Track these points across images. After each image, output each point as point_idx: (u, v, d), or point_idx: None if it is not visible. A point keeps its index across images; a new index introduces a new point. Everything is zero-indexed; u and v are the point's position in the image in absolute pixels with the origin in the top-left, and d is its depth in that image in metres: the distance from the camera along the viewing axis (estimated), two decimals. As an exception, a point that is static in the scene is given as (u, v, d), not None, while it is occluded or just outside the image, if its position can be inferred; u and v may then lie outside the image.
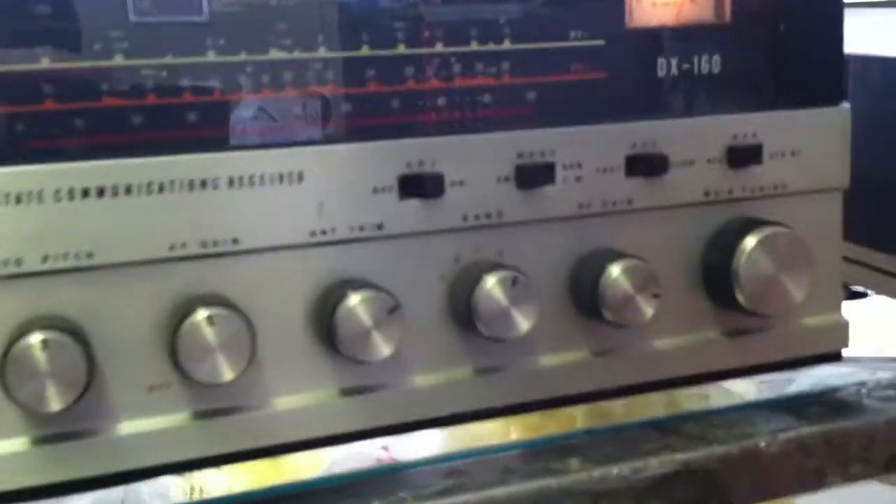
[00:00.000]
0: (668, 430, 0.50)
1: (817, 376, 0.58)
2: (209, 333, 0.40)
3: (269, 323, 0.43)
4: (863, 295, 0.77)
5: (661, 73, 0.49)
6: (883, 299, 0.72)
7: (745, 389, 0.60)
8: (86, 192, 0.40)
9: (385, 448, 0.59)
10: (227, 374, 0.40)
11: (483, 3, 0.46)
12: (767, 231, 0.49)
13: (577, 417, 0.62)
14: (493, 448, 0.51)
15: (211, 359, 0.40)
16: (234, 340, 0.40)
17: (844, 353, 0.54)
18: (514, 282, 0.45)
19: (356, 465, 0.54)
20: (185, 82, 0.42)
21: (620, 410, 0.60)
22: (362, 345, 0.42)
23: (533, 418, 0.62)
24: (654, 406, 0.60)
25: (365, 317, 0.42)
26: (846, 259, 0.74)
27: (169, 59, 0.41)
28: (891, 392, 0.54)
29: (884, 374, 0.57)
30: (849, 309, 0.78)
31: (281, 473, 0.53)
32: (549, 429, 0.59)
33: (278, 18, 0.43)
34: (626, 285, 0.46)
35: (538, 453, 0.49)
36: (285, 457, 0.52)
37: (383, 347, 0.42)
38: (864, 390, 0.55)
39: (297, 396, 0.43)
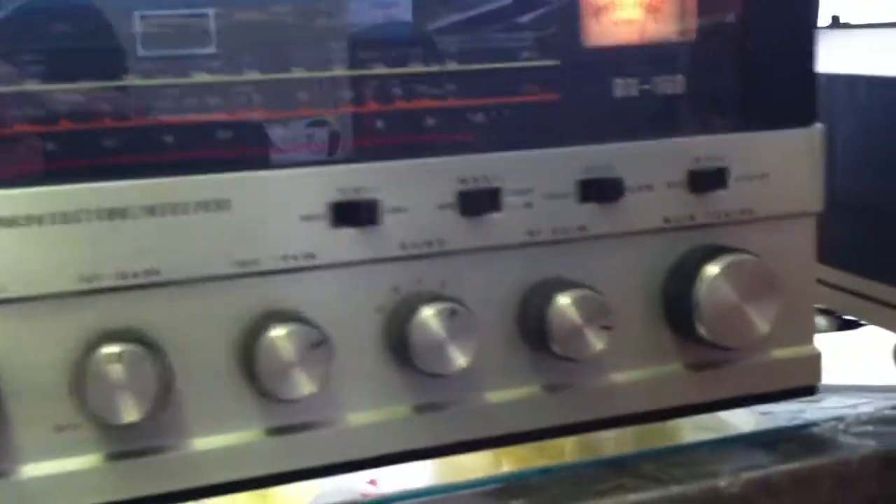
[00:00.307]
0: (624, 468, 0.48)
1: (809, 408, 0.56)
2: (117, 370, 0.38)
3: (190, 358, 0.41)
4: (855, 325, 0.74)
5: (618, 93, 0.47)
6: (875, 329, 0.69)
7: (742, 421, 0.57)
8: (-8, 222, 0.38)
9: (373, 482, 0.57)
10: (132, 415, 0.38)
11: (426, 21, 0.44)
12: (731, 259, 0.46)
13: (566, 449, 0.60)
14: (453, 486, 0.48)
15: (116, 397, 0.38)
16: (144, 379, 0.38)
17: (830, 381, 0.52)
18: (453, 313, 0.42)
19: (342, 499, 0.52)
20: (104, 107, 0.40)
21: (612, 443, 0.57)
22: (283, 381, 0.40)
23: (524, 450, 0.60)
24: (652, 438, 0.57)
25: (287, 351, 0.40)
26: (838, 288, 0.71)
27: (85, 84, 0.39)
28: (869, 428, 0.51)
29: (865, 409, 0.54)
30: (840, 339, 0.76)
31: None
32: (539, 462, 0.56)
33: (208, 44, 0.41)
34: (573, 316, 0.44)
35: (487, 495, 0.46)
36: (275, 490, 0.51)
37: (306, 384, 0.40)
38: (841, 426, 0.52)
39: (220, 437, 0.41)
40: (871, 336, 0.71)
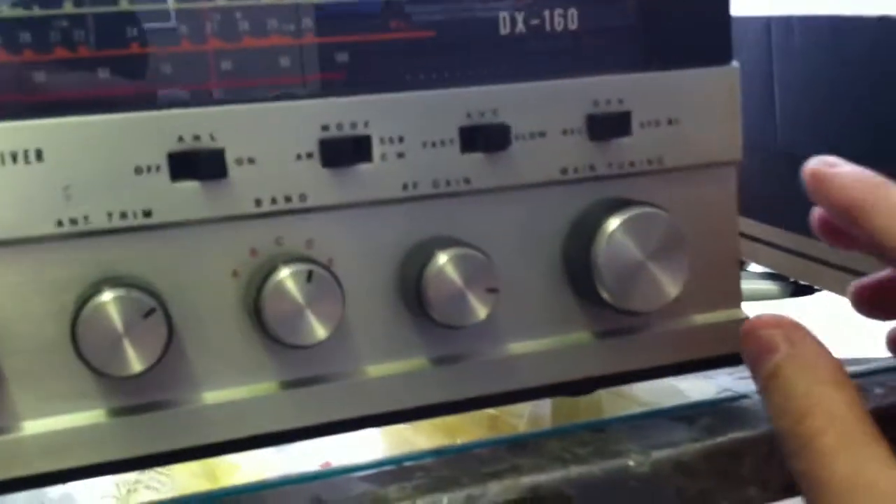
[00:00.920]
0: (524, 448, 0.43)
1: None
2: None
3: (12, 330, 0.36)
4: (809, 290, 0.69)
5: (503, 30, 0.42)
6: (830, 295, 0.64)
7: (703, 391, 0.52)
8: None
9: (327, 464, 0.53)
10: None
11: (274, -52, 0.39)
12: (633, 212, 0.41)
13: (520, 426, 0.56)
14: (340, 469, 0.44)
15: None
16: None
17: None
18: (310, 276, 0.37)
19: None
20: None
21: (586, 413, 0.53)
22: (109, 355, 0.35)
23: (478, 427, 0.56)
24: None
25: (114, 320, 0.35)
26: (790, 251, 0.66)
27: None
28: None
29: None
30: (793, 305, 0.71)
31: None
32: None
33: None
34: (453, 277, 0.39)
35: (374, 478, 0.41)
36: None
37: (134, 359, 0.35)
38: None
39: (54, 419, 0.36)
40: (825, 302, 0.66)
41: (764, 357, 0.37)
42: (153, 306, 0.35)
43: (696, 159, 0.44)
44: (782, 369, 0.36)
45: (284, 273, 0.37)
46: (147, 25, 0.37)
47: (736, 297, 0.46)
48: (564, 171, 0.42)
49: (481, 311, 0.39)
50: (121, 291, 0.35)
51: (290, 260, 0.38)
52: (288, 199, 0.39)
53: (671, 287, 0.42)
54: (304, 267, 0.37)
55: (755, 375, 0.38)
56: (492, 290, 0.39)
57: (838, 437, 0.34)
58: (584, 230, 0.42)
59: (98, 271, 0.37)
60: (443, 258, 0.39)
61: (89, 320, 0.35)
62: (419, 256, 0.40)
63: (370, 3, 0.40)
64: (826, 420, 0.34)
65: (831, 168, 0.40)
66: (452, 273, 0.39)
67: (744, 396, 0.48)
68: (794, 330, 0.38)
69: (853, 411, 0.35)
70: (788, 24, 0.57)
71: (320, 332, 0.37)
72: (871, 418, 0.35)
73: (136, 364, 0.35)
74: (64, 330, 0.36)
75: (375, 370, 0.41)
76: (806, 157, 0.42)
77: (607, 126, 0.42)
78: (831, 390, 0.35)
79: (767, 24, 0.58)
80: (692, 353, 0.45)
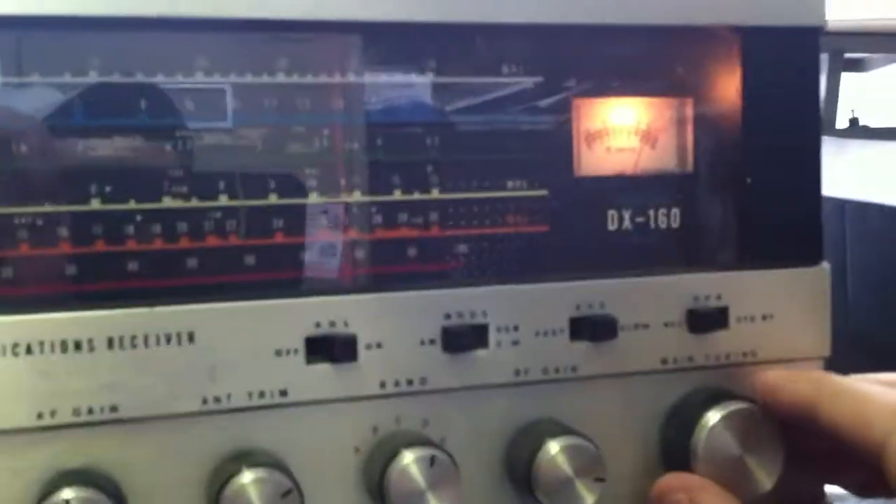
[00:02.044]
0: None
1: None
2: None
3: (152, 501, 0.38)
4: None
5: (611, 226, 0.45)
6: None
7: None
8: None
9: None
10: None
11: (408, 146, 0.42)
12: (733, 406, 0.43)
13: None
14: None
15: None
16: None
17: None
18: (433, 461, 0.39)
19: None
20: (63, 232, 0.38)
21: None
22: (248, 531, 0.37)
23: None
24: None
25: (255, 499, 0.37)
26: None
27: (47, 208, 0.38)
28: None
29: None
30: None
31: None
32: None
33: (175, 165, 0.39)
34: (564, 466, 0.41)
35: None
36: None
37: (273, 535, 0.37)
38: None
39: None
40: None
41: None
42: (290, 487, 0.37)
43: (787, 353, 0.46)
44: None
45: (409, 458, 0.39)
46: (291, 217, 0.40)
47: (820, 489, 0.48)
48: (665, 361, 0.45)
49: (588, 499, 0.41)
50: (261, 473, 0.37)
51: (412, 443, 0.40)
52: (410, 381, 0.41)
53: (766, 480, 0.43)
54: (427, 452, 0.39)
55: None
56: (599, 480, 0.41)
57: None
58: (684, 420, 0.44)
59: (234, 447, 0.39)
60: (554, 447, 0.41)
61: (232, 499, 0.37)
62: (529, 441, 0.42)
63: (489, 200, 0.43)
64: None
65: (777, 374, 0.44)
66: (563, 462, 0.41)
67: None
68: (701, 491, 0.41)
69: None
70: (864, 210, 0.60)
71: (441, 512, 0.39)
72: None
73: (272, 541, 0.37)
74: (200, 502, 0.38)
75: (481, 546, 0.43)
76: (877, 340, 0.44)
77: (706, 320, 0.45)
78: None
79: (842, 206, 0.61)
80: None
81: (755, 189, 0.46)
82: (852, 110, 1.58)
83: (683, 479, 0.42)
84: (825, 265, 0.47)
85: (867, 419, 0.39)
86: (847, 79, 1.44)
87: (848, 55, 1.43)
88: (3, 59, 0.37)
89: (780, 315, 0.46)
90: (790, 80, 0.45)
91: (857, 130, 1.32)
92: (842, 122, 1.42)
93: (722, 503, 0.40)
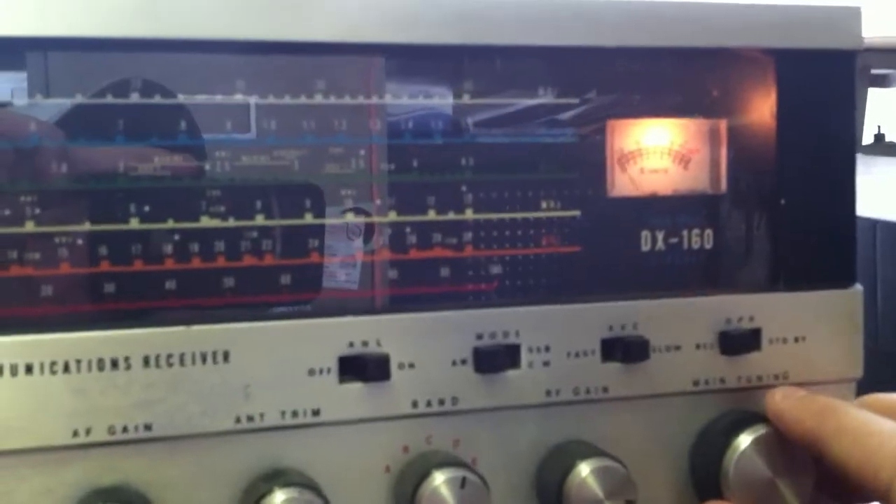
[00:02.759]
0: None
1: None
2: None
3: (183, 519, 0.38)
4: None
5: (644, 247, 0.45)
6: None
7: None
8: (-21, 370, 0.36)
9: None
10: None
11: (443, 167, 0.42)
12: (763, 430, 0.43)
13: None
14: None
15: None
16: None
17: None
18: (464, 483, 0.40)
19: None
20: (103, 251, 0.38)
21: None
22: (281, 551, 0.37)
23: None
24: None
25: (286, 519, 0.37)
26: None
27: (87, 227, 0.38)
28: None
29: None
30: None
31: None
32: None
33: (213, 184, 0.39)
34: (594, 489, 0.41)
35: None
36: None
37: (299, 556, 0.37)
38: None
39: None
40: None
41: None
42: (323, 506, 0.38)
43: (819, 376, 0.46)
44: None
45: (440, 479, 0.39)
46: (326, 237, 0.41)
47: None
48: (696, 382, 0.44)
49: (619, 520, 0.41)
50: (293, 493, 0.37)
51: (443, 464, 0.40)
52: (441, 401, 0.41)
53: (796, 503, 0.43)
54: (458, 473, 0.40)
55: None
56: (630, 502, 0.41)
57: None
58: (714, 443, 0.44)
59: (266, 465, 0.39)
60: (585, 469, 0.41)
61: (263, 518, 0.37)
62: (560, 462, 0.42)
63: (522, 220, 0.43)
64: None
65: (784, 400, 0.43)
66: (594, 484, 0.41)
67: None
68: None
69: None
70: (895, 229, 0.60)
71: (472, 534, 0.39)
72: None
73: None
74: (234, 522, 0.38)
75: (510, 567, 0.43)
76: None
77: (739, 342, 0.45)
78: None
79: (874, 226, 0.61)
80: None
81: (789, 211, 0.46)
82: (878, 126, 1.57)
83: None
84: (858, 287, 0.46)
85: (872, 462, 0.39)
86: (872, 94, 1.44)
87: (874, 71, 1.43)
88: (47, 79, 0.37)
89: (812, 337, 0.46)
90: (825, 103, 0.45)
91: (882, 147, 1.31)
92: (867, 138, 1.41)
93: None
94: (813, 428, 0.41)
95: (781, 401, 0.43)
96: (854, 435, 0.40)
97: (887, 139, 1.44)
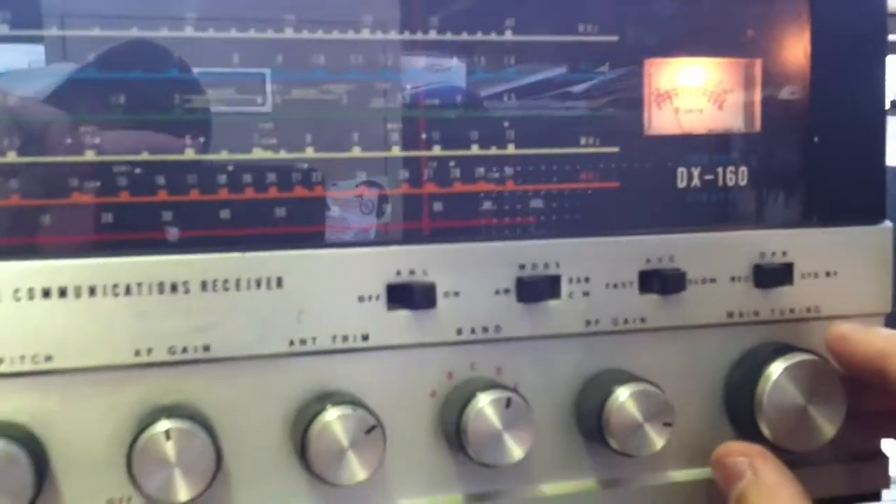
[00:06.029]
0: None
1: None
2: (167, 448, 0.37)
3: (241, 437, 0.40)
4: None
5: (680, 183, 0.46)
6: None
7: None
8: (46, 293, 0.37)
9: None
10: (183, 495, 0.37)
11: (486, 104, 0.43)
12: (797, 358, 0.44)
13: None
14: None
15: (166, 476, 0.37)
16: (194, 457, 0.37)
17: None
18: (509, 403, 0.41)
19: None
20: (161, 180, 0.40)
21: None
22: (335, 465, 0.39)
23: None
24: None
25: (340, 435, 0.39)
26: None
27: (145, 157, 0.39)
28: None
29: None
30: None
31: None
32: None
33: (266, 120, 0.41)
34: (633, 412, 0.42)
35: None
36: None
37: (357, 470, 0.39)
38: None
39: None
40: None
41: (732, 483, 0.42)
42: (374, 423, 0.39)
43: (849, 309, 0.47)
44: (747, 495, 0.41)
45: (485, 400, 0.41)
46: (373, 170, 0.42)
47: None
48: (731, 314, 0.46)
49: (658, 443, 0.43)
50: (346, 409, 0.39)
51: (487, 386, 0.41)
52: (485, 329, 0.43)
53: (828, 429, 0.45)
54: (503, 394, 0.41)
55: (727, 498, 0.42)
56: (668, 424, 0.43)
57: None
58: (748, 372, 0.45)
59: (318, 387, 0.41)
60: (624, 393, 0.42)
61: (317, 435, 0.39)
62: (599, 388, 0.43)
63: (563, 156, 0.44)
64: None
65: (849, 327, 0.44)
66: (633, 408, 0.42)
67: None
68: (760, 458, 0.42)
69: None
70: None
71: (517, 452, 0.41)
72: None
73: (359, 473, 0.39)
74: (285, 439, 0.40)
75: (550, 489, 0.44)
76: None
77: (772, 276, 0.46)
78: None
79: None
80: (832, 489, 0.48)
81: (821, 149, 0.47)
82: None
83: (745, 446, 0.43)
84: (888, 224, 0.48)
85: None
86: (890, 61, 1.44)
87: (891, 37, 1.43)
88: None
89: (843, 272, 0.47)
90: (858, 42, 0.46)
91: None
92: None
93: (778, 474, 0.41)
94: (880, 345, 0.42)
95: (846, 326, 0.44)
96: None
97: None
